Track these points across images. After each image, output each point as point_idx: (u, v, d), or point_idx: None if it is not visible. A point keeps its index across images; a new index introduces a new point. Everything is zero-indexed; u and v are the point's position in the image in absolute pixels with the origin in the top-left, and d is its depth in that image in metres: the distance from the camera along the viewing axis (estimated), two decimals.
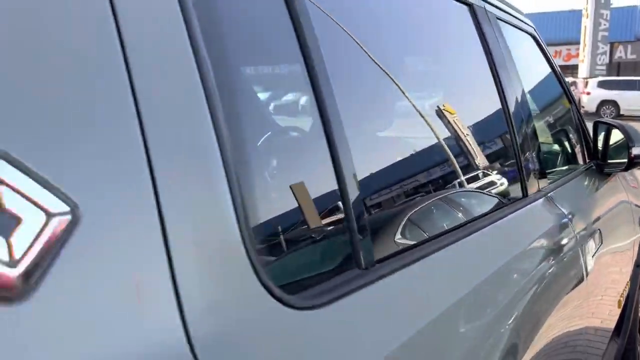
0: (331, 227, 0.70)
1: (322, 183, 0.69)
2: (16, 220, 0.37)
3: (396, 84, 0.91)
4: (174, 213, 0.46)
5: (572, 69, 33.70)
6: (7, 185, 0.37)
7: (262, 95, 0.77)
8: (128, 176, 0.45)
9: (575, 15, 31.45)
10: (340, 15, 0.82)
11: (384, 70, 0.88)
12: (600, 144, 2.12)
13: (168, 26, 0.50)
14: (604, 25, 27.10)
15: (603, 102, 23.68)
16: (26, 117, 0.39)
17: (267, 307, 0.53)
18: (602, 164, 2.09)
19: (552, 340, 1.20)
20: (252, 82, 0.77)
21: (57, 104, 0.41)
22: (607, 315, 2.01)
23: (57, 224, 0.39)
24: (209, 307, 0.48)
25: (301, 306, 0.57)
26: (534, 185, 1.40)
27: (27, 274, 0.37)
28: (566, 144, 2.13)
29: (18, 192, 0.37)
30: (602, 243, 1.73)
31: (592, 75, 26.34)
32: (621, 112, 23.52)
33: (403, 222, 0.86)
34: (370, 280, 0.69)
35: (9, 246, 0.36)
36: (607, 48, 27.77)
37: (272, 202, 0.64)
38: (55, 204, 0.39)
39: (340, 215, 0.69)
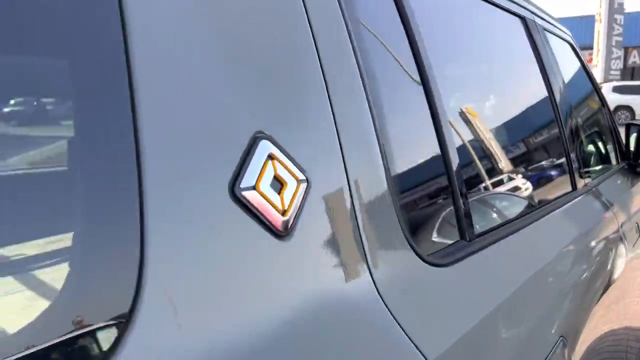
0: (447, 210, 0.86)
1: (440, 178, 0.85)
2: (282, 184, 0.53)
3: (479, 88, 1.07)
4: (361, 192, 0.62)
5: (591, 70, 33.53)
6: (277, 159, 0.53)
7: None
8: (331, 156, 0.60)
9: (585, 21, 31.41)
10: (429, 33, 0.97)
11: (467, 76, 1.04)
12: (632, 146, 2.26)
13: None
14: (618, 30, 27.01)
15: (618, 107, 23.58)
16: (284, 113, 0.56)
17: (417, 266, 0.69)
18: (634, 164, 2.23)
19: (600, 322, 1.34)
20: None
21: (302, 102, 0.58)
22: None
23: (303, 188, 0.55)
24: (386, 267, 0.63)
25: (437, 264, 0.72)
26: (581, 181, 1.54)
27: (288, 221, 0.53)
28: (600, 145, 2.27)
29: (282, 164, 0.53)
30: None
31: (606, 80, 26.25)
32: (636, 117, 23.44)
33: (488, 207, 1.01)
34: (474, 250, 0.84)
35: (281, 201, 0.52)
36: (621, 53, 27.65)
37: (411, 189, 0.80)
38: (299, 174, 0.55)
39: (451, 202, 0.85)
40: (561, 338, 0.95)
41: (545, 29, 1.66)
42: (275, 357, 0.48)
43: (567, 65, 1.88)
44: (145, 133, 0.43)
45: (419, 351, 0.59)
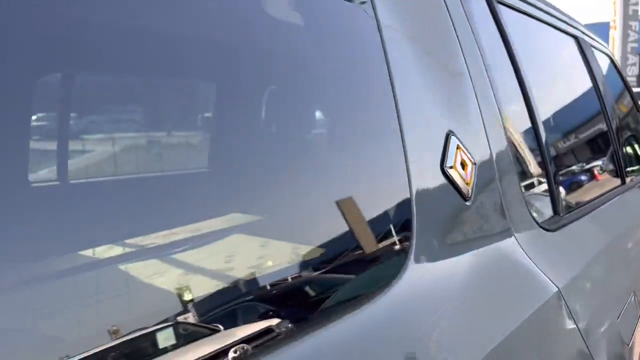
0: (545, 190, 1.10)
1: (540, 169, 1.10)
2: (464, 165, 0.78)
3: (557, 96, 1.33)
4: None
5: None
6: (461, 149, 0.78)
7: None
8: (484, 147, 0.86)
9: (600, 28, 31.45)
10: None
11: (550, 85, 1.30)
12: None
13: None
14: (633, 36, 26.92)
15: None
16: (458, 114, 0.81)
17: (538, 230, 0.94)
18: None
19: None
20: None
21: (466, 105, 0.83)
22: None
23: (475, 169, 0.80)
24: (520, 229, 0.88)
25: (547, 229, 0.97)
26: (628, 176, 1.78)
27: (470, 190, 0.78)
28: (636, 146, 2.50)
29: (463, 152, 0.78)
30: None
31: None
32: None
33: (571, 191, 1.27)
34: (565, 222, 1.09)
35: (466, 176, 0.77)
36: (636, 59, 27.54)
37: (524, 174, 1.05)
38: (472, 159, 0.80)
39: (546, 186, 1.10)
40: (633, 292, 1.19)
41: (591, 45, 1.90)
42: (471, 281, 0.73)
43: (609, 77, 2.12)
44: (405, 130, 0.69)
45: (553, 283, 0.84)
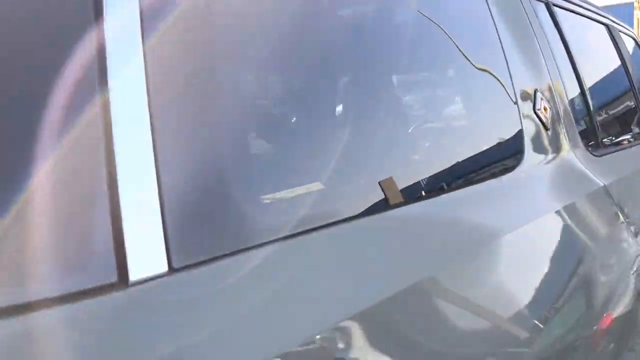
0: (591, 132, 1.62)
1: (586, 119, 1.62)
2: (545, 109, 1.30)
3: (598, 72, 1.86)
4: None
5: None
6: (542, 100, 1.30)
7: None
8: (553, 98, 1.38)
9: (627, 8, 31.32)
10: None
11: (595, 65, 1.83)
12: None
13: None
14: None
15: None
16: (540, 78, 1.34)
17: (588, 155, 1.45)
18: None
19: None
20: None
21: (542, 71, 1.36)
22: None
23: (550, 112, 1.32)
24: (578, 154, 1.40)
25: (594, 155, 1.49)
26: None
27: (549, 124, 1.30)
28: None
29: (544, 101, 1.30)
30: None
31: None
32: None
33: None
34: (604, 153, 1.60)
35: (544, 116, 1.30)
36: None
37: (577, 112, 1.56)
38: (548, 105, 1.32)
39: (592, 128, 1.62)
40: None
41: (620, 30, 2.40)
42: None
43: (635, 55, 2.62)
44: (516, 91, 1.21)
45: (600, 181, 1.36)
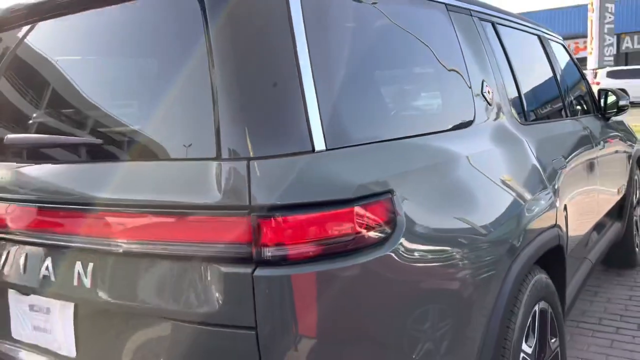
0: (520, 111, 2.42)
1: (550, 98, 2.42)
2: (490, 92, 2.08)
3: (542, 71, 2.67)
4: None
5: (581, 62, 34.84)
6: (487, 87, 2.08)
7: None
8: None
9: (580, 10, 32.88)
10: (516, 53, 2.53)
11: (538, 64, 2.64)
12: (602, 103, 3.83)
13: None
14: (610, 18, 28.15)
15: None
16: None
17: (517, 123, 2.25)
18: (604, 113, 3.79)
19: (587, 196, 2.89)
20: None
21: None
22: (617, 191, 3.72)
23: (493, 94, 2.11)
24: (513, 120, 2.19)
25: (521, 123, 2.28)
26: (568, 116, 3.12)
27: (492, 102, 2.08)
28: (588, 102, 3.82)
29: (488, 87, 2.08)
30: (619, 144, 3.49)
31: (600, 66, 27.54)
32: (631, 100, 24.88)
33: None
34: (529, 123, 2.40)
35: (490, 96, 2.08)
36: (613, 40, 28.77)
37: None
38: (491, 89, 2.11)
39: (521, 109, 2.42)
40: (562, 156, 2.51)
41: (549, 39, 3.23)
42: None
43: (565, 60, 3.46)
44: (471, 78, 1.98)
45: (524, 139, 2.15)
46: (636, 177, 4.39)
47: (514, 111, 2.26)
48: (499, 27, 2.45)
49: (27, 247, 1.52)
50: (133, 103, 1.45)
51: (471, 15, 2.20)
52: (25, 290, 1.58)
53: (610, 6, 27.95)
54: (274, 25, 1.25)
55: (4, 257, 1.59)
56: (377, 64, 1.63)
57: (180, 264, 1.23)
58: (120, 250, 1.30)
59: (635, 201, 4.45)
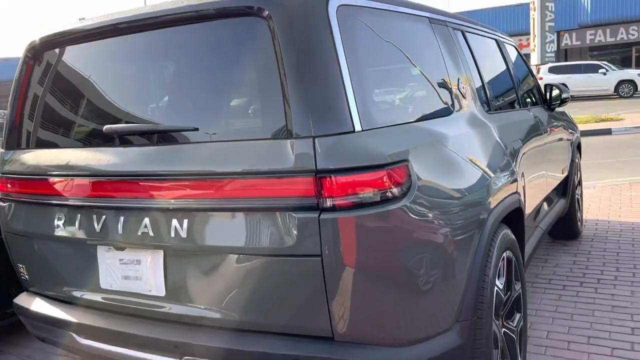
0: (484, 101, 2.98)
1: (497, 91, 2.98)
2: (460, 83, 2.62)
3: (497, 68, 3.23)
4: None
5: (525, 58, 36.54)
6: (454, 79, 2.62)
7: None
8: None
9: (523, 9, 34.37)
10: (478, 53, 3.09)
11: (494, 62, 3.19)
12: (548, 96, 4.47)
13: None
14: (550, 16, 29.59)
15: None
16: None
17: (486, 114, 2.80)
18: (549, 105, 4.43)
19: (539, 172, 3.48)
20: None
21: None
22: (561, 171, 4.36)
23: (459, 87, 2.65)
24: (481, 109, 2.75)
25: (487, 112, 2.84)
26: (521, 107, 3.71)
27: (461, 93, 2.63)
28: (536, 95, 4.45)
29: (455, 83, 2.62)
30: (562, 131, 4.13)
31: (543, 62, 28.94)
32: (571, 94, 26.30)
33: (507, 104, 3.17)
34: (492, 112, 2.96)
35: (457, 89, 2.62)
36: (554, 37, 30.24)
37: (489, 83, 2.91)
38: (458, 84, 2.65)
39: (486, 100, 2.99)
40: (520, 140, 3.08)
41: (504, 42, 3.82)
42: None
43: (517, 60, 4.07)
44: (449, 72, 2.51)
45: (490, 124, 2.70)
46: (577, 160, 5.07)
47: (481, 102, 2.81)
48: (467, 35, 3.00)
49: (128, 212, 1.96)
50: (229, 102, 1.93)
51: (447, 25, 2.74)
52: (121, 246, 2.01)
53: (551, 5, 29.39)
54: (324, 43, 1.74)
55: (101, 222, 2.02)
56: (391, 68, 2.15)
57: (263, 214, 1.71)
58: (215, 207, 1.77)
59: (577, 181, 5.13)
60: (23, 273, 2.42)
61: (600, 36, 35.05)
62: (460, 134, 2.36)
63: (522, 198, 2.80)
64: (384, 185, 1.70)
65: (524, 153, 3.03)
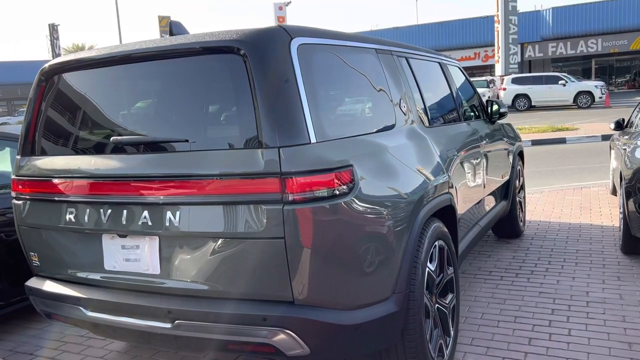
0: (426, 118, 3.54)
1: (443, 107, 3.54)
2: (406, 104, 3.18)
3: (442, 89, 3.80)
4: None
5: (490, 69, 37.51)
6: (401, 101, 3.18)
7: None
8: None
9: (489, 21, 35.52)
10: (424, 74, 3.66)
11: (439, 84, 3.76)
12: (488, 111, 5.07)
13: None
14: (514, 29, 30.68)
15: (517, 96, 27.09)
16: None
17: (424, 128, 3.36)
18: (491, 118, 5.04)
19: (473, 176, 4.05)
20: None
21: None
22: (501, 176, 4.96)
23: (407, 105, 3.21)
24: (421, 125, 3.31)
25: (426, 126, 3.40)
26: (463, 121, 4.30)
27: (408, 110, 3.18)
28: (478, 111, 5.04)
29: (403, 103, 3.17)
30: (502, 141, 4.73)
31: (506, 73, 29.97)
32: (533, 104, 26.77)
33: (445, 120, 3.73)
34: (433, 127, 3.52)
35: (406, 107, 3.17)
36: (517, 49, 31.33)
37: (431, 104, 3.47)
38: (406, 105, 3.20)
39: (426, 116, 3.55)
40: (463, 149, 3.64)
41: (447, 64, 4.40)
42: None
43: (460, 79, 4.66)
44: (392, 95, 3.06)
45: (429, 139, 3.25)
46: (518, 167, 5.69)
47: (420, 118, 3.37)
48: (410, 60, 3.56)
49: (130, 206, 2.44)
50: (213, 119, 2.48)
51: (392, 54, 3.30)
52: (124, 233, 2.50)
53: (514, 18, 30.52)
54: (287, 74, 2.26)
55: (107, 215, 2.50)
56: (341, 92, 2.69)
57: (240, 206, 2.22)
58: (202, 202, 2.27)
59: (518, 186, 5.75)
60: (35, 260, 2.88)
61: (561, 48, 36.43)
62: (399, 145, 2.90)
63: (455, 197, 3.36)
64: (333, 184, 2.22)
65: (457, 159, 3.60)
